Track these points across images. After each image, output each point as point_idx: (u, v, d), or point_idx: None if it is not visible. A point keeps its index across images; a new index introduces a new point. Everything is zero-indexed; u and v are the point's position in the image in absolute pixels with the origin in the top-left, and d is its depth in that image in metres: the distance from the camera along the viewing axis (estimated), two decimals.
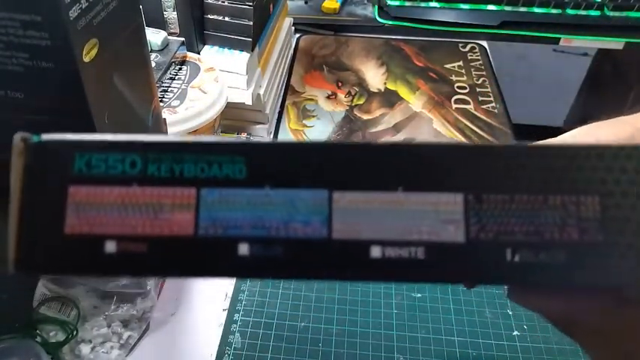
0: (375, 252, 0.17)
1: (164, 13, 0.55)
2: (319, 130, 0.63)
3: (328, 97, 0.69)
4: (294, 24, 0.79)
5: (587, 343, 0.20)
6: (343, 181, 0.17)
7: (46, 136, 0.17)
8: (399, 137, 0.62)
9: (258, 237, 0.17)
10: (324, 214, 0.17)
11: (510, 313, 0.44)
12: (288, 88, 0.71)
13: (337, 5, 0.85)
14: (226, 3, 0.56)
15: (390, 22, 0.83)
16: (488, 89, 0.70)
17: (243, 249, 0.17)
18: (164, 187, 0.17)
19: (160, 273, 0.17)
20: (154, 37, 0.50)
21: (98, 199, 0.17)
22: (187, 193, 0.17)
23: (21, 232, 0.17)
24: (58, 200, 0.17)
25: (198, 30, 0.58)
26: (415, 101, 0.68)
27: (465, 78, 0.73)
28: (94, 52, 0.29)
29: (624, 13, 0.77)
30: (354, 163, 0.17)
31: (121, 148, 0.17)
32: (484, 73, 0.74)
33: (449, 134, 0.63)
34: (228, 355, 0.40)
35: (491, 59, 0.77)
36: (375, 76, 0.73)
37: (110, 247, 0.17)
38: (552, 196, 0.17)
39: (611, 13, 0.78)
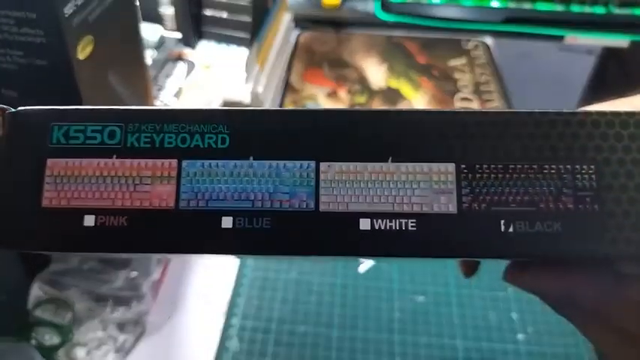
0: (365, 224, 0.16)
1: (160, 9, 0.55)
2: None
3: (328, 95, 0.68)
4: (293, 20, 0.78)
5: (585, 325, 0.20)
6: (331, 152, 0.16)
7: (23, 108, 0.17)
8: None
9: (242, 210, 0.16)
10: (310, 186, 0.16)
11: (514, 317, 0.43)
12: (287, 86, 0.70)
13: (338, 1, 0.84)
14: None
15: (392, 19, 0.82)
16: (492, 87, 0.69)
17: (227, 222, 0.16)
18: (144, 158, 0.16)
19: (141, 249, 0.16)
20: (150, 33, 0.49)
21: (76, 172, 0.17)
22: (168, 165, 0.16)
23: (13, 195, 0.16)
24: (35, 173, 0.17)
25: (195, 26, 0.57)
26: (418, 99, 0.68)
27: (468, 76, 0.72)
28: (89, 49, 0.29)
29: (630, 10, 0.77)
30: (342, 132, 0.16)
31: (100, 118, 0.17)
32: (487, 70, 0.73)
33: None
34: None
35: (494, 57, 0.76)
36: (376, 74, 0.73)
37: (89, 220, 0.16)
38: (547, 164, 0.16)
39: (617, 10, 0.77)
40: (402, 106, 0.66)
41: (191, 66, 0.50)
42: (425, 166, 0.16)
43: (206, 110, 0.16)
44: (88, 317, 0.40)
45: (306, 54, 0.77)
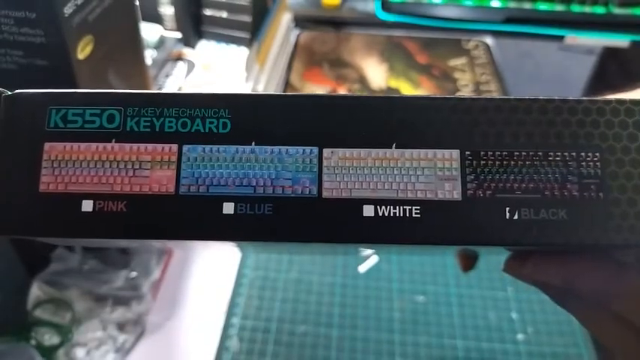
0: (368, 211, 0.16)
1: (160, 8, 0.55)
2: None
3: None
4: (293, 19, 0.78)
5: (586, 316, 0.20)
6: (334, 137, 0.16)
7: (20, 91, 0.16)
8: None
9: (243, 195, 0.16)
10: (313, 172, 0.16)
11: (514, 316, 0.43)
12: (287, 85, 0.70)
13: (338, 1, 0.84)
14: None
15: (392, 18, 0.82)
16: (492, 87, 0.69)
17: (228, 208, 0.16)
18: (143, 142, 0.16)
19: (140, 235, 0.16)
20: (150, 33, 0.49)
21: (75, 156, 0.16)
22: (168, 149, 0.16)
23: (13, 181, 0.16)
24: (32, 157, 0.16)
25: (195, 26, 0.57)
26: None
27: (468, 75, 0.72)
28: (88, 49, 0.29)
29: (630, 10, 0.77)
30: (345, 117, 0.16)
31: (99, 101, 0.16)
32: (488, 70, 0.73)
33: None
34: (226, 359, 0.40)
35: (495, 56, 0.76)
36: (376, 73, 0.73)
37: (87, 206, 0.16)
38: (552, 151, 0.16)
39: (617, 10, 0.77)
40: None
41: (191, 66, 0.50)
42: (429, 152, 0.16)
43: (207, 95, 0.16)
44: (88, 317, 0.40)
45: (306, 53, 0.77)
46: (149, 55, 0.47)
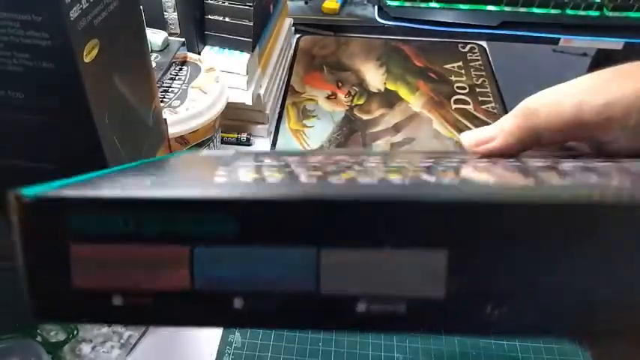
0: (361, 307, 0.17)
1: (164, 13, 0.56)
2: (319, 130, 0.64)
3: (328, 98, 0.69)
4: (294, 24, 0.79)
5: None
6: (331, 239, 0.17)
7: (39, 194, 0.17)
8: (398, 137, 0.62)
9: (251, 292, 0.17)
10: (312, 271, 0.17)
11: None
12: (288, 89, 0.71)
13: (337, 6, 0.85)
14: (226, 3, 0.56)
15: (390, 23, 0.83)
16: (488, 89, 0.70)
17: (238, 303, 0.17)
18: (160, 245, 0.17)
19: (165, 323, 0.18)
20: (155, 37, 0.50)
21: (100, 256, 0.17)
22: (181, 252, 0.17)
23: (31, 287, 0.17)
24: (61, 257, 0.17)
25: (199, 30, 0.58)
26: (415, 101, 0.68)
27: (464, 78, 0.73)
28: (94, 52, 0.29)
29: (624, 13, 0.78)
30: (341, 219, 0.17)
31: (114, 207, 0.17)
32: (484, 73, 0.74)
33: (448, 134, 0.63)
34: (229, 354, 0.40)
35: (490, 59, 0.77)
36: (374, 77, 0.74)
37: (117, 300, 0.17)
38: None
39: (611, 14, 0.78)
40: (399, 107, 0.67)
41: (194, 69, 0.51)
42: (418, 252, 0.17)
43: (216, 200, 0.17)
44: None
45: (307, 57, 0.78)
46: (153, 59, 0.48)
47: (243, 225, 0.17)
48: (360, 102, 0.68)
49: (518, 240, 0.17)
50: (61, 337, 0.39)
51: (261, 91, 0.61)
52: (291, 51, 0.78)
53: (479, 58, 0.77)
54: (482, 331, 0.17)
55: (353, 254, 0.17)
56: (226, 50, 0.59)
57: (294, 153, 0.30)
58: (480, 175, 0.20)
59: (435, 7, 0.83)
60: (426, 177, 0.19)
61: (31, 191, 0.17)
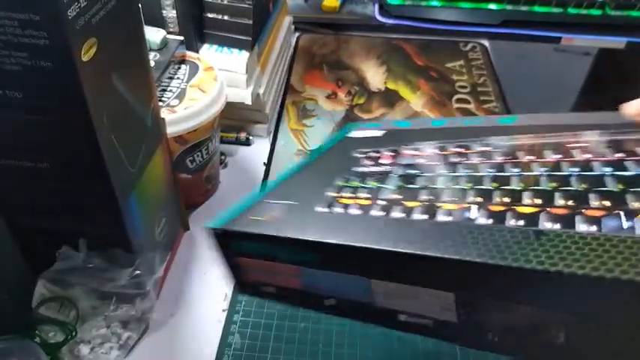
0: (402, 317, 0.26)
1: (163, 11, 0.55)
2: (319, 129, 0.63)
3: (328, 97, 0.69)
4: (293, 23, 0.79)
5: None
6: (378, 274, 0.25)
7: (217, 227, 0.28)
8: None
9: (335, 295, 0.28)
10: (368, 291, 0.26)
11: None
12: (287, 88, 0.71)
13: (337, 4, 0.85)
14: (226, 2, 0.55)
15: (391, 21, 0.83)
16: (489, 88, 0.70)
17: (329, 301, 0.28)
18: (284, 263, 0.28)
19: (285, 302, 0.31)
20: (153, 36, 0.49)
21: (257, 266, 0.29)
22: (293, 270, 0.28)
23: (232, 277, 0.31)
24: (237, 262, 0.30)
25: (198, 29, 0.57)
26: (416, 100, 0.68)
27: (465, 77, 0.72)
28: (92, 51, 0.29)
29: (626, 12, 0.77)
30: (385, 265, 0.24)
31: (257, 240, 0.28)
32: (485, 72, 0.73)
33: None
34: (228, 355, 0.40)
35: (492, 58, 0.76)
36: (375, 76, 0.73)
37: (269, 289, 0.30)
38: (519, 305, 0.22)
39: (613, 12, 0.77)
40: (400, 106, 0.67)
41: (193, 68, 0.51)
42: (437, 292, 0.23)
43: (308, 242, 0.26)
44: (92, 315, 0.40)
45: (306, 56, 0.78)
46: (152, 58, 0.48)
47: (323, 258, 0.26)
48: (361, 101, 0.68)
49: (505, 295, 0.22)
50: (60, 338, 0.39)
51: (261, 90, 0.60)
52: (291, 50, 0.78)
53: (480, 57, 0.77)
54: (487, 349, 0.24)
55: (392, 286, 0.25)
56: (225, 49, 0.58)
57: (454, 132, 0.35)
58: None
59: (436, 6, 0.82)
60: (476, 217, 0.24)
61: (215, 224, 0.29)
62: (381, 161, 0.33)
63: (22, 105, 0.30)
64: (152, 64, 0.47)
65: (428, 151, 0.32)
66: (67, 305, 0.40)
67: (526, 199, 0.24)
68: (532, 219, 0.22)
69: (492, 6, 0.81)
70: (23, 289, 0.40)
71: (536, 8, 0.79)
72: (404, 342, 0.41)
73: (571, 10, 0.79)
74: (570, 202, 0.23)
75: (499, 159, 0.29)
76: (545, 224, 0.22)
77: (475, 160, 0.29)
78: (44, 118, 0.31)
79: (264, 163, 0.59)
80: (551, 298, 0.20)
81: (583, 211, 0.22)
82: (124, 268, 0.40)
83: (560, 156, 0.27)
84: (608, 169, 0.25)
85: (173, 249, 0.48)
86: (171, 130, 0.44)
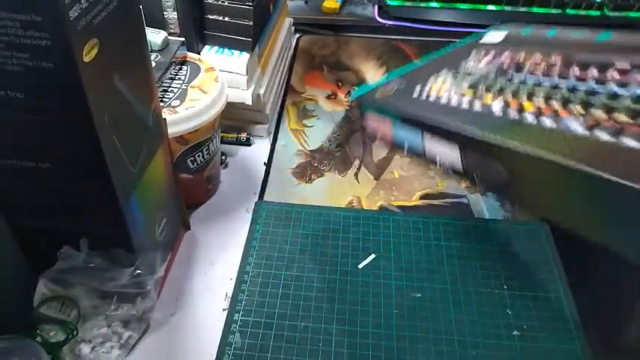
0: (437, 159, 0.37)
1: (164, 13, 0.55)
2: (319, 129, 0.63)
3: (328, 97, 0.69)
4: (294, 24, 0.79)
5: None
6: (433, 133, 0.36)
7: (355, 96, 0.48)
8: None
9: (405, 142, 0.39)
10: (420, 139, 0.37)
11: (510, 312, 0.44)
12: (288, 88, 0.71)
13: (337, 5, 0.85)
14: (226, 3, 0.56)
15: (390, 22, 0.83)
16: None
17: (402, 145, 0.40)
18: (386, 119, 0.40)
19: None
20: (154, 37, 0.50)
21: (374, 118, 0.42)
22: (389, 122, 0.40)
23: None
24: (365, 116, 0.44)
25: (199, 30, 0.58)
26: None
27: None
28: (94, 52, 0.29)
29: (624, 13, 0.77)
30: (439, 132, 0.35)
31: (373, 105, 0.42)
32: None
33: None
34: (229, 354, 0.40)
35: None
36: (375, 76, 0.73)
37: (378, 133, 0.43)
38: None
39: (611, 13, 0.78)
40: None
41: (194, 69, 0.51)
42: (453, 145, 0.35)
43: (395, 110, 0.40)
44: (93, 314, 0.40)
45: (307, 57, 0.78)
46: (153, 59, 0.48)
47: (402, 119, 0.38)
48: None
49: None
50: (61, 337, 0.39)
51: (261, 91, 0.60)
52: (291, 51, 0.78)
53: None
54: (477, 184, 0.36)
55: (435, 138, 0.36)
56: (226, 50, 0.59)
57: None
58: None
59: (435, 7, 0.83)
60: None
61: (356, 93, 0.45)
62: (485, 60, 0.40)
63: (23, 105, 0.30)
64: (153, 64, 0.47)
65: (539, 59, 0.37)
66: (68, 305, 0.40)
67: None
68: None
69: (491, 7, 0.81)
70: (24, 289, 0.40)
71: (535, 9, 0.80)
72: (403, 340, 0.42)
73: (569, 11, 0.79)
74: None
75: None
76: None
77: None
78: (45, 119, 0.31)
79: (265, 163, 0.59)
80: (512, 159, 0.30)
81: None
82: (125, 267, 0.40)
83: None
84: None
85: (174, 249, 0.48)
86: (172, 131, 0.44)
